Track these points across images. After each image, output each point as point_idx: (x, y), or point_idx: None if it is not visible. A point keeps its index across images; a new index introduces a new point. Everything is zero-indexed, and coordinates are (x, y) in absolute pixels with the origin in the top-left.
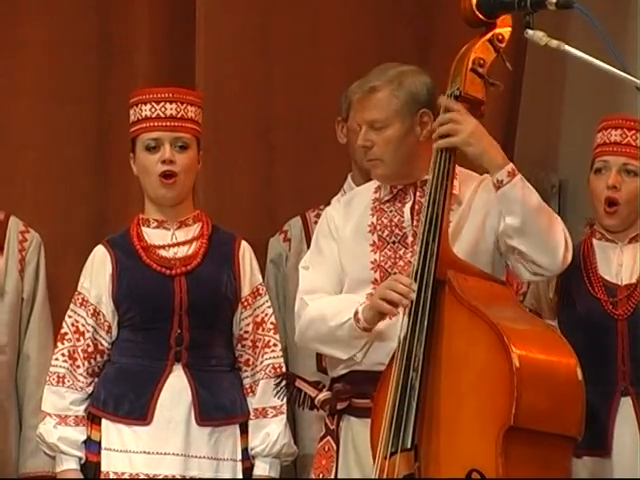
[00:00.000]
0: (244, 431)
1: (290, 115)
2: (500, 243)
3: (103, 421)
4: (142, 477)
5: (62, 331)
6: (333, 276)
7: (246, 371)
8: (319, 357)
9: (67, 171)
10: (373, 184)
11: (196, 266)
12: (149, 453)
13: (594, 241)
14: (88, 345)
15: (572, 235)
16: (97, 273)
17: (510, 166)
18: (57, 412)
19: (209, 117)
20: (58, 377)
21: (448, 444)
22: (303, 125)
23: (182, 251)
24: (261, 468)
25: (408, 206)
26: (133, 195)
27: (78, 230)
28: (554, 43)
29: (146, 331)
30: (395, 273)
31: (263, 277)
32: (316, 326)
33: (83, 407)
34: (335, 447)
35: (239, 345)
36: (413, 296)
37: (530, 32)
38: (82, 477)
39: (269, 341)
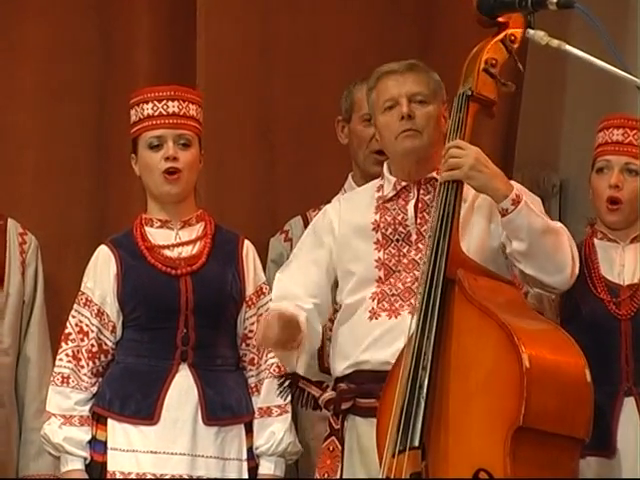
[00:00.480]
0: (249, 430)
1: (290, 114)
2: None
3: (109, 421)
4: (149, 477)
5: (66, 331)
6: (306, 276)
7: (251, 370)
8: (321, 357)
9: (67, 171)
10: (374, 184)
11: (201, 266)
12: (156, 453)
13: (595, 241)
14: (92, 345)
15: (573, 235)
16: (101, 273)
17: (514, 193)
18: (62, 412)
19: (210, 116)
20: (62, 377)
21: (456, 443)
22: (303, 124)
23: (186, 251)
24: (266, 467)
25: (412, 204)
26: (133, 195)
27: (78, 230)
28: (555, 43)
29: (152, 331)
30: (399, 271)
31: None
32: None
33: (88, 407)
34: (340, 447)
35: (243, 344)
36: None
37: (531, 32)
38: (87, 477)
39: None
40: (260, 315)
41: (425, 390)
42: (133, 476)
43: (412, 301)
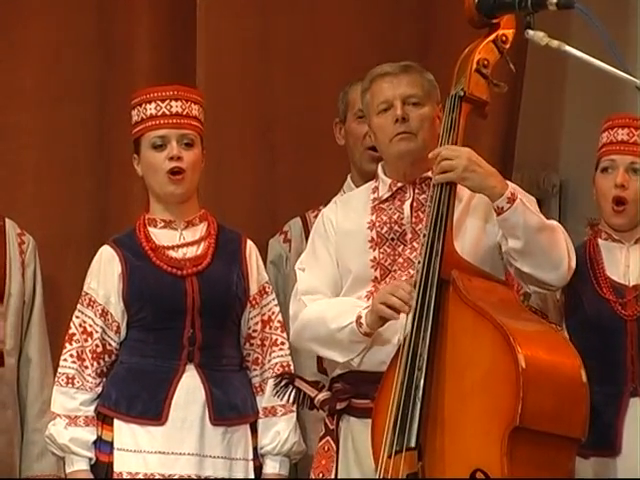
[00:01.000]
0: (254, 430)
1: (290, 115)
2: (502, 253)
3: (115, 421)
4: (157, 477)
5: (70, 332)
6: (328, 278)
7: (255, 370)
8: (319, 358)
9: (68, 171)
10: (369, 185)
11: (207, 266)
12: (164, 453)
13: (599, 241)
14: (97, 345)
15: (573, 235)
16: (105, 273)
17: (509, 191)
18: (67, 413)
19: (210, 116)
20: (67, 378)
21: (452, 444)
22: (303, 125)
23: (191, 251)
24: (271, 467)
25: (408, 203)
26: (134, 195)
27: (79, 230)
28: (555, 43)
29: (157, 331)
30: (395, 270)
31: None
32: (315, 327)
33: (93, 407)
34: (335, 447)
35: (247, 344)
36: (413, 302)
37: (531, 32)
38: (93, 477)
39: (277, 339)
40: (263, 315)
41: (421, 391)
42: (141, 476)
43: None
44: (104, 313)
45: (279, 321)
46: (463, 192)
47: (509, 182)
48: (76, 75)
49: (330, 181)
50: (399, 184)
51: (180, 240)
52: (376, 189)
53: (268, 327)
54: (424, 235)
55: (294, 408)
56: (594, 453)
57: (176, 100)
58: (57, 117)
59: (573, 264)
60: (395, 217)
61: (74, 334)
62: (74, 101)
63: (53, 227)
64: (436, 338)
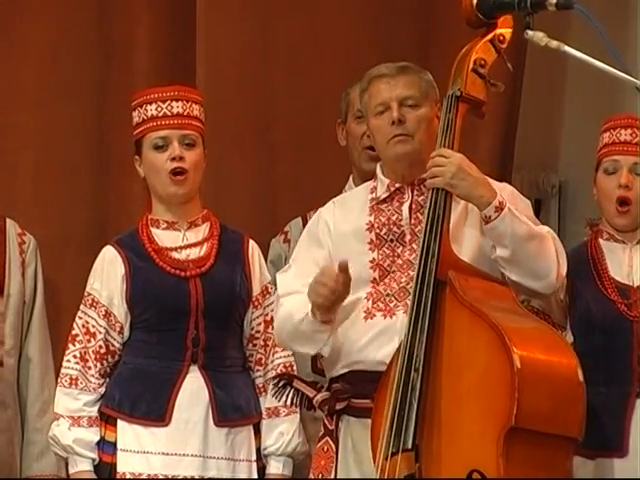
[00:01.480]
0: (257, 431)
1: (290, 115)
2: None
3: (119, 422)
4: (160, 478)
5: (73, 332)
6: (307, 278)
7: (258, 370)
8: (314, 358)
9: (67, 171)
10: (367, 185)
11: (210, 267)
12: (167, 454)
13: (601, 241)
14: (100, 346)
15: (572, 236)
16: (108, 274)
17: (497, 200)
18: (70, 414)
19: (209, 117)
20: (70, 379)
21: (449, 444)
22: (303, 125)
23: (194, 253)
24: (274, 467)
25: (406, 205)
26: (133, 195)
27: (78, 230)
28: (554, 44)
29: (161, 332)
30: (394, 272)
31: None
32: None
33: (96, 408)
34: (334, 448)
35: (250, 345)
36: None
37: (530, 33)
38: (96, 478)
39: None
40: (266, 315)
41: (417, 392)
42: (144, 477)
43: (407, 301)
44: (107, 314)
45: None
46: None
47: (504, 185)
48: (75, 75)
49: (329, 181)
50: (397, 185)
51: (183, 241)
52: (374, 189)
53: (271, 327)
54: (420, 236)
55: (297, 409)
56: (601, 454)
57: (177, 100)
58: (56, 117)
59: (563, 271)
60: (394, 218)
61: (77, 335)
62: (73, 101)
63: (52, 227)
64: (433, 339)
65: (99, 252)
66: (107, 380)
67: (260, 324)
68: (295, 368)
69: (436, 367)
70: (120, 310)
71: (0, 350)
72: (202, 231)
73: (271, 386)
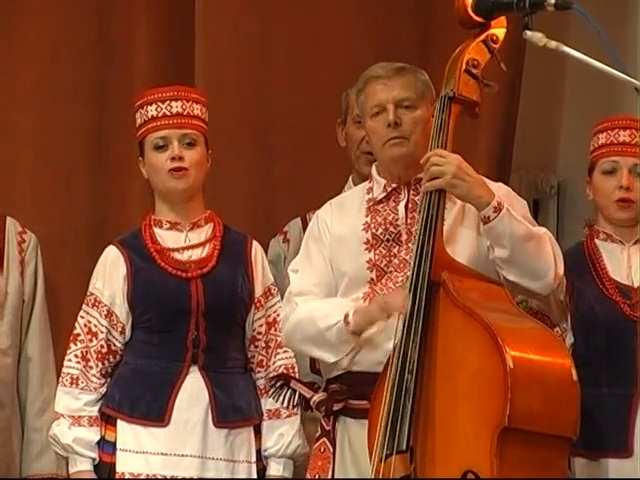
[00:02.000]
0: (258, 432)
1: (288, 115)
2: None
3: (118, 422)
4: (159, 478)
5: (75, 332)
6: (321, 280)
7: (259, 372)
8: (313, 358)
9: (66, 171)
10: (363, 186)
11: (212, 268)
12: (166, 454)
13: (597, 242)
14: (102, 346)
15: (570, 236)
16: (110, 274)
17: (495, 201)
18: (71, 413)
19: (208, 118)
20: (72, 378)
21: (443, 445)
22: (302, 126)
23: (196, 253)
24: (274, 469)
25: (402, 204)
26: (132, 195)
27: (77, 230)
28: (553, 44)
29: (162, 333)
30: (391, 271)
31: None
32: (305, 327)
33: (96, 408)
34: (331, 448)
35: (252, 346)
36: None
37: (529, 33)
38: (96, 478)
39: (281, 341)
40: (268, 317)
41: (411, 393)
42: (143, 477)
43: None
44: (109, 314)
45: None
46: None
47: (500, 186)
48: (75, 75)
49: (328, 182)
50: (393, 185)
51: (185, 242)
52: (370, 190)
53: (273, 329)
54: (415, 237)
55: (298, 410)
56: (606, 455)
57: (176, 100)
58: (55, 117)
59: (560, 271)
60: (390, 218)
61: (79, 334)
62: (72, 101)
63: (51, 227)
64: (427, 340)
65: (98, 252)
66: (108, 380)
67: (262, 326)
68: (297, 370)
69: (430, 368)
70: (122, 310)
71: None
72: (205, 232)
73: (268, 387)
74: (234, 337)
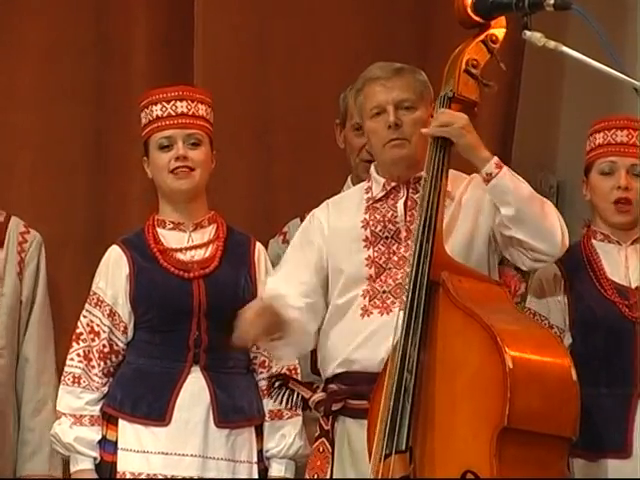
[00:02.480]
0: (259, 433)
1: (287, 115)
2: (497, 236)
3: (120, 421)
4: (160, 477)
5: (77, 331)
6: (295, 278)
7: (262, 373)
8: (313, 359)
9: (65, 171)
10: (362, 186)
11: (214, 269)
12: (167, 454)
13: (594, 242)
14: (104, 345)
15: (570, 236)
16: (113, 273)
17: (496, 159)
18: (72, 412)
19: None
20: (74, 377)
21: (443, 445)
22: (301, 126)
23: (199, 254)
24: (276, 470)
25: (401, 202)
26: (131, 195)
27: (76, 230)
28: (552, 44)
29: (164, 333)
30: (390, 268)
31: None
32: None
33: (98, 407)
34: (330, 448)
35: (254, 347)
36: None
37: (528, 33)
38: (97, 477)
39: None
40: None
41: (411, 394)
42: (143, 477)
43: (404, 298)
44: (112, 313)
45: None
46: (455, 190)
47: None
48: (74, 75)
49: (327, 182)
50: (393, 184)
51: (188, 242)
52: (369, 189)
53: None
54: (413, 237)
55: (300, 411)
56: (605, 455)
57: (181, 100)
58: (54, 117)
59: (567, 241)
60: (389, 215)
61: (81, 333)
62: (71, 101)
63: (50, 227)
64: (426, 340)
65: (97, 252)
66: (110, 379)
67: None
68: (299, 371)
69: (429, 368)
70: (124, 310)
71: None
72: (208, 233)
73: (267, 387)
74: None
